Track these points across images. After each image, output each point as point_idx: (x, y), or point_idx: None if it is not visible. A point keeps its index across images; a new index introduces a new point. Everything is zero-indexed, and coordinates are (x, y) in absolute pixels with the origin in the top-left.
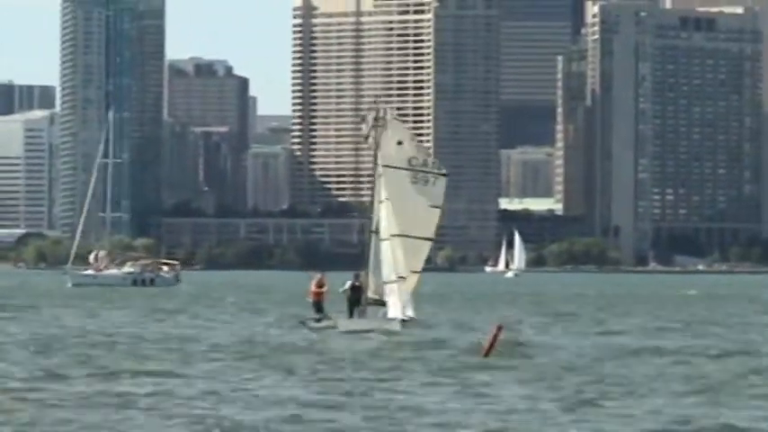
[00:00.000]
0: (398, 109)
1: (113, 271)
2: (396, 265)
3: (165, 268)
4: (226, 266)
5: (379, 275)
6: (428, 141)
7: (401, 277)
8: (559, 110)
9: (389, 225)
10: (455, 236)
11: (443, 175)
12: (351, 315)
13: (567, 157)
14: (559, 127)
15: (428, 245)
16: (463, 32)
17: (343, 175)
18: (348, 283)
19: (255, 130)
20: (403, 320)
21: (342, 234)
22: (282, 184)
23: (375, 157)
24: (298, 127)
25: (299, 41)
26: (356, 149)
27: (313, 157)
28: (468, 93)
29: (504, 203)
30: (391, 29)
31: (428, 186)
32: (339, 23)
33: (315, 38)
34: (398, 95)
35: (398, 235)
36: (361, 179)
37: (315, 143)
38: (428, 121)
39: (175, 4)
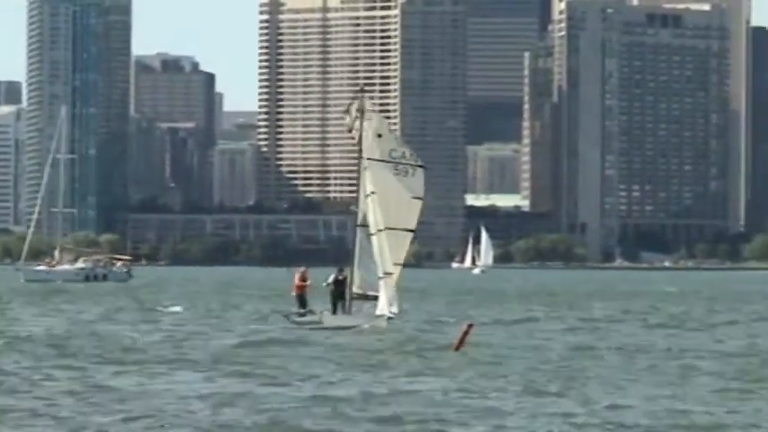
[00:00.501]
0: None
1: (66, 267)
2: (383, 260)
3: (118, 263)
4: (191, 262)
5: (364, 270)
6: None
7: (387, 273)
8: (526, 106)
9: (376, 218)
10: (421, 231)
11: (420, 166)
12: (334, 310)
13: (533, 153)
14: (526, 123)
15: (410, 237)
16: (430, 28)
17: (310, 172)
18: (331, 277)
19: (222, 126)
20: (389, 318)
21: (308, 230)
22: (249, 181)
23: (359, 150)
24: (264, 123)
25: (265, 37)
26: (323, 146)
27: (279, 153)
28: (434, 89)
29: (471, 200)
30: (358, 25)
31: (408, 178)
32: (306, 19)
33: (281, 34)
34: (365, 92)
35: (385, 228)
36: (328, 175)
37: (281, 139)
38: (395, 117)
39: None
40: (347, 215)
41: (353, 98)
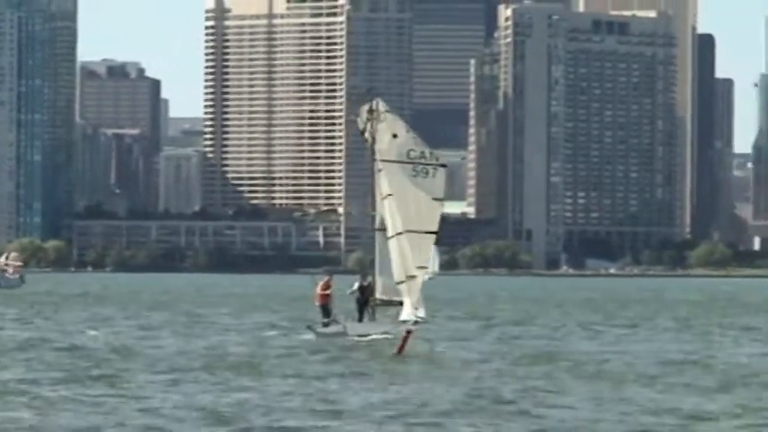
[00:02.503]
0: (311, 112)
1: None
2: (405, 264)
3: (10, 270)
4: (136, 269)
5: (386, 275)
6: (340, 145)
7: (411, 276)
8: (472, 113)
9: (395, 221)
10: (367, 239)
11: (443, 165)
12: (361, 317)
13: (479, 160)
14: (472, 130)
15: (432, 239)
16: (376, 35)
17: (255, 178)
18: (356, 285)
19: (167, 132)
20: (416, 322)
21: (253, 236)
22: (194, 187)
23: (372, 152)
24: (210, 129)
25: (211, 43)
26: (268, 152)
27: (225, 159)
28: (380, 95)
29: None
30: (304, 31)
31: (428, 179)
32: (252, 26)
33: (227, 40)
34: (311, 98)
35: (405, 231)
36: (274, 182)
37: (227, 146)
38: (340, 124)
39: (88, 5)
40: (292, 222)
41: (364, 100)
